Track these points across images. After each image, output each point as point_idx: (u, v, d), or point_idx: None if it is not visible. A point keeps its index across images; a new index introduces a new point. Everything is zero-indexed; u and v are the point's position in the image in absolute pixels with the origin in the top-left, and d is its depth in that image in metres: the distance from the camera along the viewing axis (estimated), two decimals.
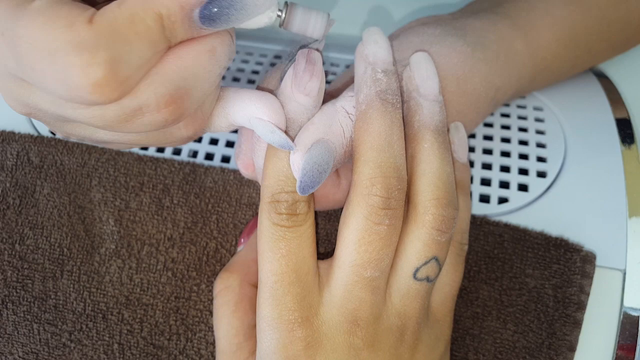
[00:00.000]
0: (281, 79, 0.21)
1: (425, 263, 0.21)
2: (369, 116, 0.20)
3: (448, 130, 0.24)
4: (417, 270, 0.21)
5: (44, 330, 0.26)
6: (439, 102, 0.22)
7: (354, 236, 0.20)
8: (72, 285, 0.26)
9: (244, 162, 0.24)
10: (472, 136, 0.29)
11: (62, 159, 0.28)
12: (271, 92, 0.21)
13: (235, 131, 0.30)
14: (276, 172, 0.21)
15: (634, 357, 0.25)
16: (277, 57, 0.35)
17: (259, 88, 0.22)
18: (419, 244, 0.21)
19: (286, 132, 0.20)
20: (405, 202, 0.21)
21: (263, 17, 0.18)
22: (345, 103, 0.22)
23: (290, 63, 0.21)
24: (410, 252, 0.21)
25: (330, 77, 0.33)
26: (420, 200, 0.21)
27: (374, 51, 0.21)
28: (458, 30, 0.26)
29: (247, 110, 0.20)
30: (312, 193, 0.22)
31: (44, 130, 0.30)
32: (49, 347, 0.26)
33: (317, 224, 0.27)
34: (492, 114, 0.30)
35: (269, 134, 0.19)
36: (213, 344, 0.25)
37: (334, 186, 0.23)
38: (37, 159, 0.28)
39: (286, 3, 0.19)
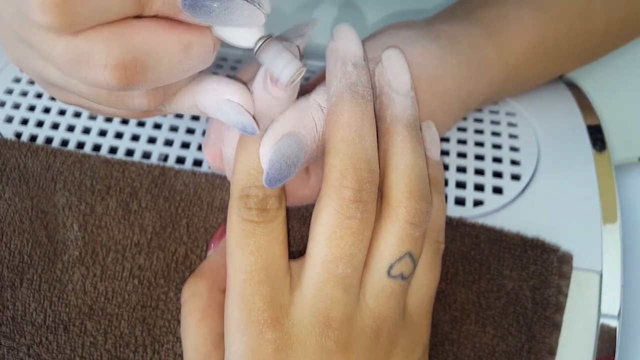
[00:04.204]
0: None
1: (400, 259, 0.20)
2: (339, 108, 0.20)
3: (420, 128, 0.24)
4: (391, 266, 0.20)
5: None
6: (410, 96, 0.22)
7: (325, 231, 0.20)
8: (32, 295, 0.25)
9: (212, 152, 0.23)
10: (446, 140, 0.29)
11: (25, 162, 0.27)
12: (245, 84, 0.21)
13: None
14: (246, 166, 0.20)
15: None
16: None
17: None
18: (392, 238, 0.20)
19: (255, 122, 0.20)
20: (378, 197, 0.20)
21: (244, 37, 0.18)
22: (318, 97, 0.21)
23: None
24: (384, 247, 0.20)
25: (302, 83, 0.33)
26: (393, 194, 0.20)
27: (343, 45, 0.21)
28: (432, 33, 0.26)
29: (217, 91, 0.19)
30: (284, 189, 0.21)
31: (8, 133, 0.29)
32: None
33: (290, 226, 0.26)
34: (465, 119, 0.30)
35: (237, 115, 0.19)
36: (181, 355, 0.24)
37: (302, 182, 0.23)
38: None
39: (270, 36, 0.19)
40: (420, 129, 0.24)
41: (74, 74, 0.16)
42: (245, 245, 0.20)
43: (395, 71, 0.22)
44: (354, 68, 0.21)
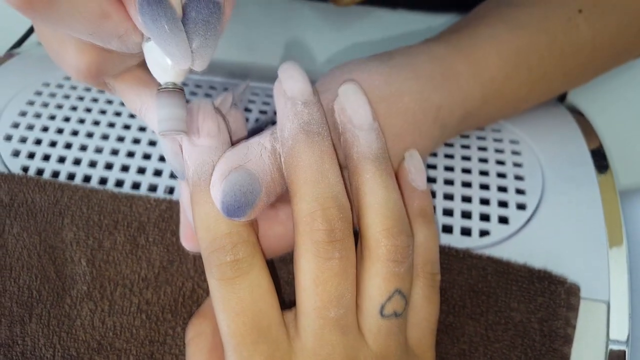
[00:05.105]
0: None
1: (389, 298, 0.20)
2: (296, 151, 0.20)
3: (403, 158, 0.24)
4: (382, 307, 0.20)
5: None
6: (374, 129, 0.22)
7: (308, 278, 0.19)
8: (41, 330, 0.25)
9: (185, 234, 0.24)
10: (451, 169, 0.29)
11: (33, 197, 0.27)
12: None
13: None
14: (203, 218, 0.20)
15: None
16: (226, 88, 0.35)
17: None
18: (378, 279, 0.20)
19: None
20: (353, 231, 0.20)
21: (161, 70, 0.18)
22: (260, 139, 0.21)
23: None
24: (371, 289, 0.20)
25: (250, 106, 0.33)
26: (371, 234, 0.20)
27: (290, 85, 0.21)
28: (383, 57, 0.25)
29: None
30: (255, 234, 0.21)
31: (14, 167, 0.29)
32: None
33: (276, 270, 0.26)
34: (468, 148, 0.30)
35: (172, 155, 0.21)
36: None
37: (270, 219, 0.22)
38: (6, 197, 0.27)
39: (180, 88, 0.19)
40: (403, 159, 0.24)
41: None
42: (229, 309, 0.19)
43: (354, 106, 0.22)
44: (304, 107, 0.20)
